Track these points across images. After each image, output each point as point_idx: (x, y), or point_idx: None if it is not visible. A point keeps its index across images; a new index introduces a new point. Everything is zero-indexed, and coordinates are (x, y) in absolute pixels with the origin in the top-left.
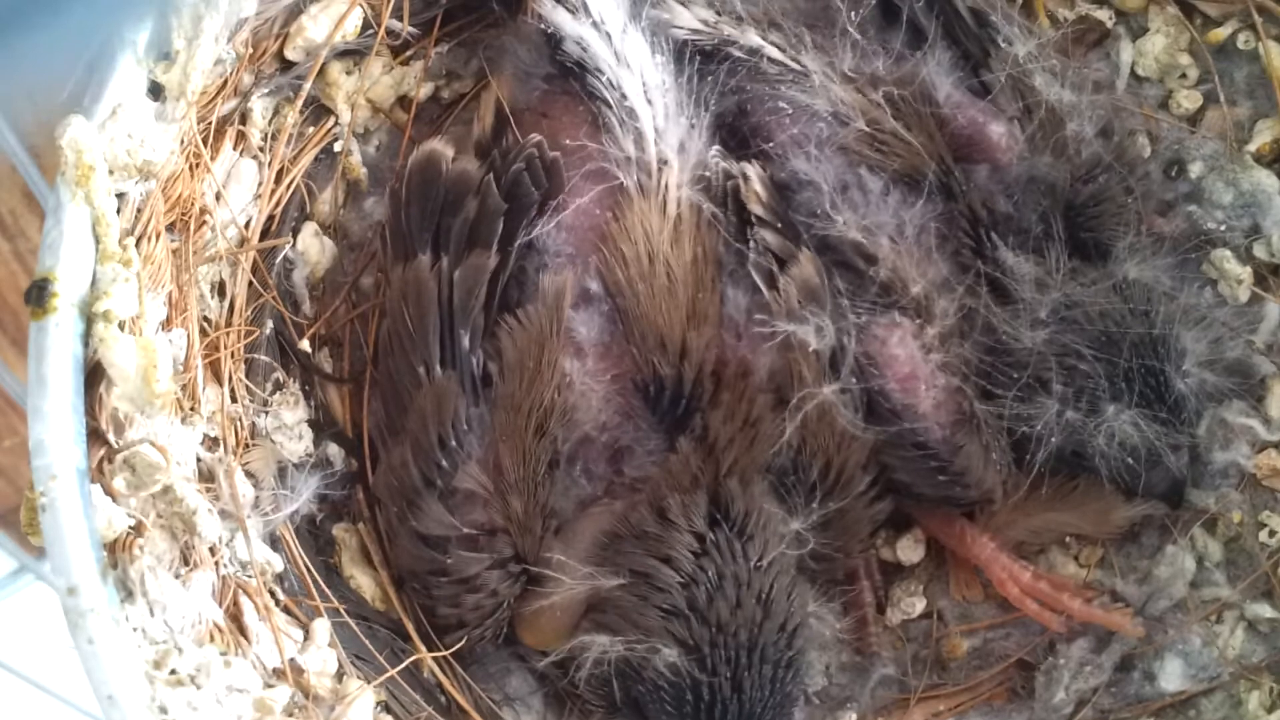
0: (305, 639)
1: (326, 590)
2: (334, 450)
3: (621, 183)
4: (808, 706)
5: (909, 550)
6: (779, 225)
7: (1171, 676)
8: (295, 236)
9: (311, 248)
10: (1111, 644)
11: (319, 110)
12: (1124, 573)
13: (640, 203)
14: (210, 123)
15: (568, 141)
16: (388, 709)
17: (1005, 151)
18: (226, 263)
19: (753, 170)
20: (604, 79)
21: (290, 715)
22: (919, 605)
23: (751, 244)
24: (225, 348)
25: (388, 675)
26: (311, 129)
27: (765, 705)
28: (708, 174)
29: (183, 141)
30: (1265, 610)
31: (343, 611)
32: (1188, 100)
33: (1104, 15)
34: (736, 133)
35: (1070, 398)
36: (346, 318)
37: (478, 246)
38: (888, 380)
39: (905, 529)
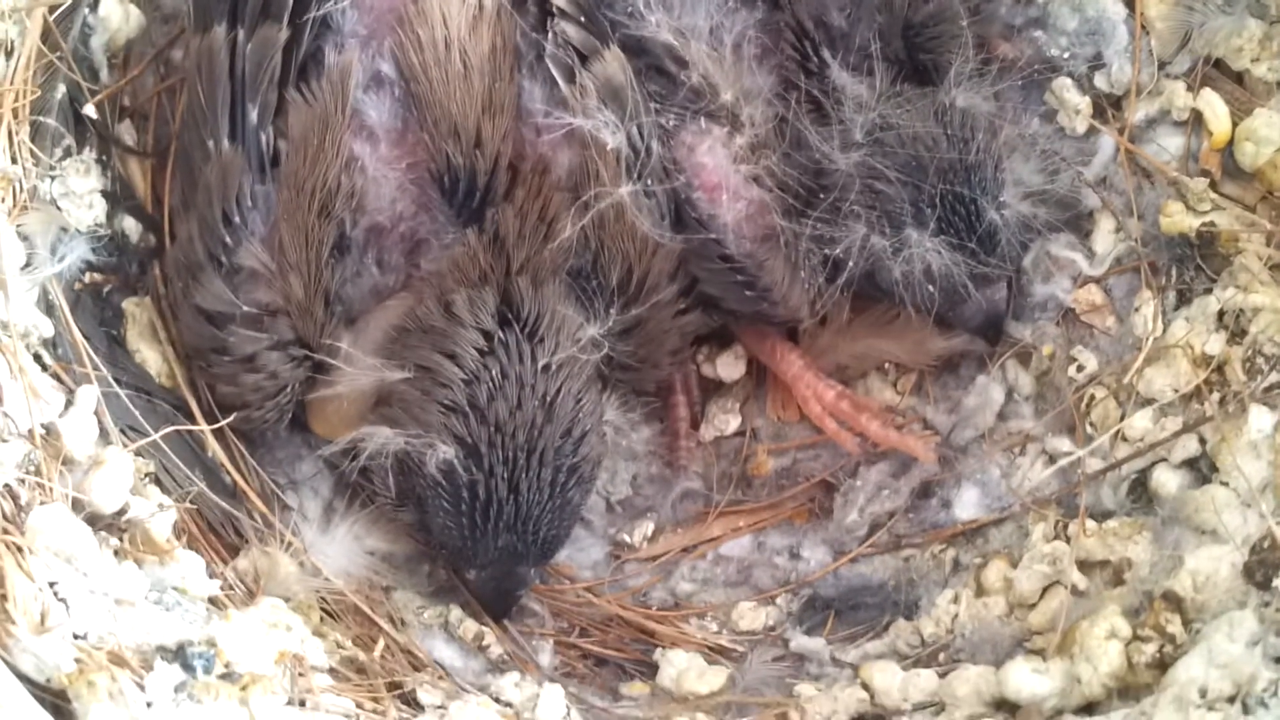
0: (68, 405)
1: (97, 360)
2: (130, 224)
3: None
4: (609, 514)
5: (729, 367)
6: (582, 19)
7: (966, 505)
8: (97, 1)
9: (114, 14)
10: (911, 470)
11: None
12: (937, 400)
13: None
14: None
15: None
16: (157, 481)
17: None
18: (12, 22)
19: None
20: None
21: (27, 472)
22: (734, 423)
23: (551, 36)
24: (6, 106)
25: (149, 440)
26: None
27: (544, 509)
28: None
29: None
30: (1064, 444)
31: (113, 381)
32: None
33: None
34: None
35: (875, 222)
36: (154, 90)
37: (269, 19)
38: (694, 188)
39: (727, 346)
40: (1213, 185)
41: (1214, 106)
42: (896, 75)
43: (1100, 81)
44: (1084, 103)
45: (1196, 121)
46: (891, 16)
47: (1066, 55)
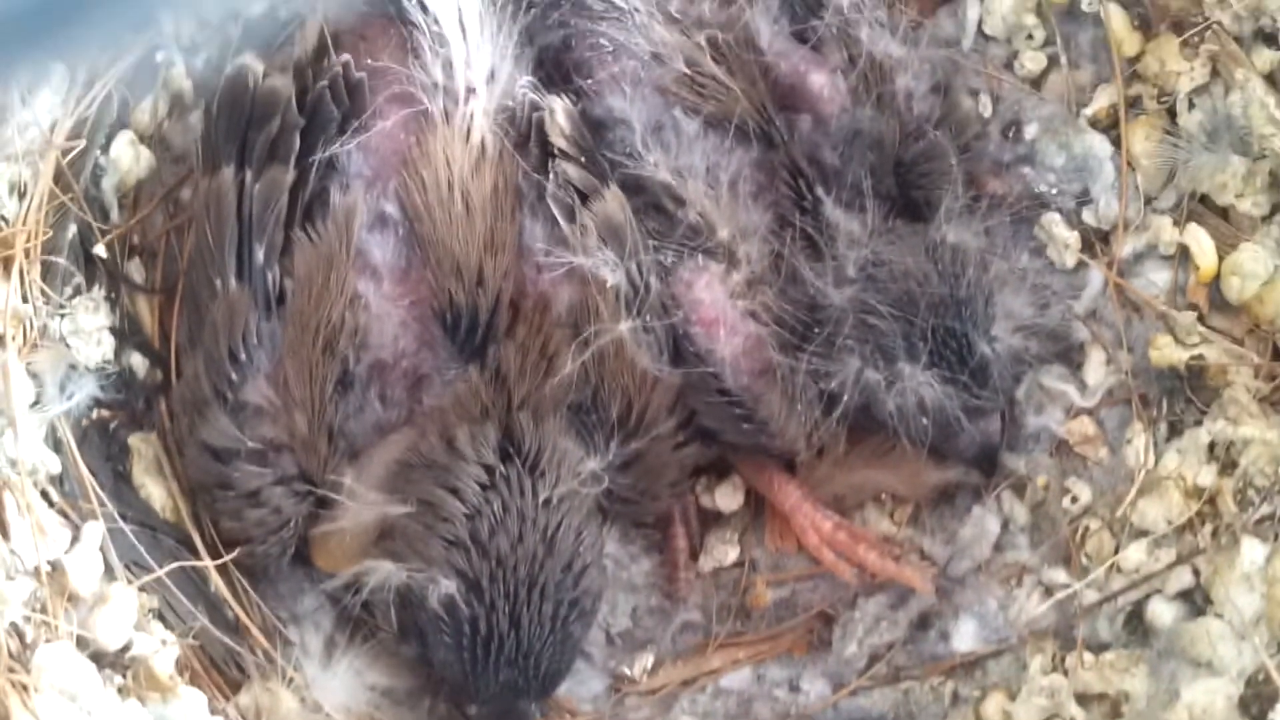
0: (74, 541)
1: (103, 496)
2: (138, 360)
3: (426, 108)
4: (609, 647)
5: (727, 498)
6: (583, 160)
7: (965, 637)
8: (109, 144)
9: (125, 155)
10: (909, 601)
11: None
12: (934, 531)
13: (444, 130)
14: None
15: (376, 63)
16: (160, 617)
17: (827, 102)
18: (25, 164)
19: (559, 104)
20: (417, 2)
21: (33, 610)
22: (732, 554)
23: (552, 176)
24: (19, 246)
25: (153, 576)
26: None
27: (545, 643)
28: (514, 105)
29: None
30: (1060, 576)
31: (118, 517)
32: (1032, 62)
33: None
34: (561, 67)
35: (869, 356)
36: (163, 228)
37: (276, 161)
38: (692, 324)
39: (725, 476)
40: (1201, 319)
41: (1200, 242)
42: (888, 211)
43: (1088, 217)
44: (1073, 238)
45: (1183, 256)
46: (883, 154)
47: (1055, 191)
